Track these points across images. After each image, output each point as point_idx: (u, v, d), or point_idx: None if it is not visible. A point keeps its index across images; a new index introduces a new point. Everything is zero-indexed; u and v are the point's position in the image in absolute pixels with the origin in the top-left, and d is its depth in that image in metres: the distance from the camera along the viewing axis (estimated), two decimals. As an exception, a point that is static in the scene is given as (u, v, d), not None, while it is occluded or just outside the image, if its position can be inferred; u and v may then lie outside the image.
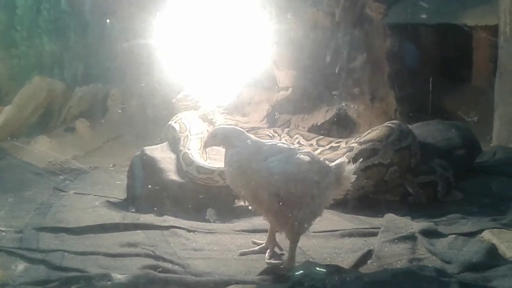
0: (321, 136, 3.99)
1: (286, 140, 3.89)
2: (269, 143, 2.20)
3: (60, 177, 3.94)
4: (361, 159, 2.54)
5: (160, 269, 2.13)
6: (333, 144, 3.71)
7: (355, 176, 2.24)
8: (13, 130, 4.89)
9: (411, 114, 4.49)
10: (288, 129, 4.12)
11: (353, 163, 2.27)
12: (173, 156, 3.20)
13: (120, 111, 5.41)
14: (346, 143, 3.50)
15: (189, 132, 3.21)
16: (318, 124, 4.48)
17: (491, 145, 4.23)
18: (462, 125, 3.78)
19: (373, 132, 3.21)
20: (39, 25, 5.22)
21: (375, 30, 4.86)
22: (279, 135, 4.01)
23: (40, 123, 5.20)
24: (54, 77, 5.45)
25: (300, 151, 2.19)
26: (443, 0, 6.27)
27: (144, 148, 3.23)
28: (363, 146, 3.08)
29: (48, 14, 5.29)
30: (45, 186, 3.64)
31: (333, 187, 2.21)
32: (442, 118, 5.26)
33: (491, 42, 4.60)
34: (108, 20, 5.10)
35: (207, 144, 2.29)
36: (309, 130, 4.35)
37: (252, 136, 2.22)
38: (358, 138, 3.34)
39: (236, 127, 2.31)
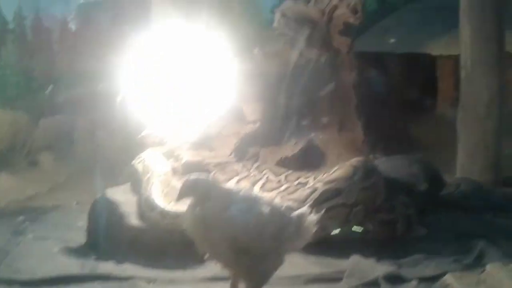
0: (290, 171, 3.96)
1: (255, 176, 3.85)
2: (233, 192, 2.17)
3: (20, 217, 3.80)
4: (324, 209, 2.52)
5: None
6: (302, 180, 3.68)
7: (316, 227, 2.21)
8: (-28, 166, 4.74)
9: (376, 146, 4.53)
10: (257, 164, 4.07)
11: (316, 210, 2.25)
12: (135, 198, 3.12)
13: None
14: (314, 179, 3.48)
15: (152, 174, 3.14)
16: (288, 156, 4.48)
17: (455, 176, 4.29)
18: (425, 159, 3.83)
19: (337, 171, 3.20)
20: (1, 57, 5.12)
21: (341, 62, 4.92)
22: (248, 170, 3.96)
23: (2, 158, 5.06)
24: (17, 109, 5.34)
25: (262, 200, 2.16)
26: (409, 30, 6.45)
27: (106, 190, 3.15)
28: (327, 186, 3.05)
29: (12, 45, 5.20)
30: (3, 229, 3.50)
31: (293, 238, 2.18)
32: (408, 147, 5.36)
33: (455, 71, 4.71)
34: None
35: (181, 196, 2.21)
36: (278, 163, 4.33)
37: (223, 187, 2.18)
38: (324, 175, 3.33)
39: (209, 179, 2.25)
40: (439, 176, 3.68)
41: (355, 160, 3.31)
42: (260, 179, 3.72)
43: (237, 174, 3.85)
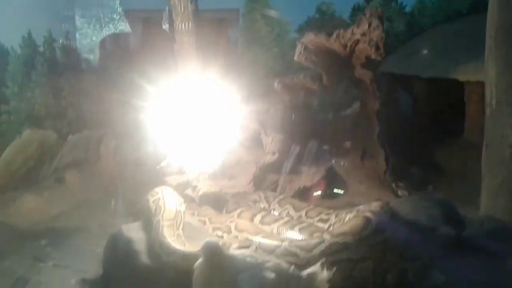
0: (311, 206, 3.88)
1: (275, 209, 3.78)
2: (238, 259, 2.14)
3: (43, 241, 3.92)
4: (334, 268, 2.46)
5: None
6: (323, 216, 3.60)
7: (327, 285, 2.18)
8: (0, 185, 4.90)
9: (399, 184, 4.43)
10: (280, 197, 3.90)
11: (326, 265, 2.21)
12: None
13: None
14: (336, 216, 3.41)
15: (162, 217, 3.13)
16: (306, 186, 4.45)
17: (479, 213, 4.17)
18: (447, 201, 3.72)
19: (350, 222, 3.10)
20: (31, 79, 5.29)
21: (365, 90, 4.86)
22: (269, 203, 3.89)
23: (29, 176, 5.21)
24: (47, 128, 5.49)
25: (268, 264, 2.14)
26: (436, 55, 6.32)
27: (121, 227, 3.20)
28: (335, 239, 2.89)
29: (42, 68, 5.35)
30: (25, 253, 3.61)
31: None
32: (433, 174, 5.22)
33: (483, 96, 4.58)
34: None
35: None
36: (296, 192, 4.32)
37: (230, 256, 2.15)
38: (344, 215, 3.26)
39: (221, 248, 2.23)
40: (460, 217, 3.58)
41: (370, 211, 3.11)
42: (281, 216, 3.64)
43: (255, 205, 3.84)
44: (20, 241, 3.88)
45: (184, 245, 2.95)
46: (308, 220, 3.55)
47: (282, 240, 2.97)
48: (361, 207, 3.34)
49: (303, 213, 3.67)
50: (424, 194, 3.75)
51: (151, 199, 3.34)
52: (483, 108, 4.37)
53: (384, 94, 4.90)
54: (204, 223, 3.41)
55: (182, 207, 3.28)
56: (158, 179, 3.99)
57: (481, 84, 5.07)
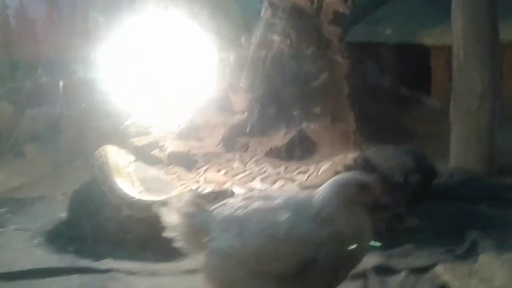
0: (290, 162, 3.82)
1: (252, 170, 3.70)
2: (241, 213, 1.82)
3: (2, 209, 3.71)
4: None
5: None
6: (302, 169, 3.54)
7: None
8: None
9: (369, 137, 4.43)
10: (256, 158, 3.84)
11: None
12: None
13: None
14: (314, 166, 3.37)
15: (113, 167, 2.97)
16: (277, 146, 4.38)
17: (448, 166, 4.21)
18: (417, 149, 3.74)
19: (319, 177, 3.06)
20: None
21: (333, 52, 4.82)
22: (243, 163, 3.80)
23: (-15, 149, 4.94)
24: (2, 99, 5.22)
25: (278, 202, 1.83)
26: (403, 20, 6.35)
27: (85, 182, 3.05)
28: (321, 178, 2.90)
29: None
30: (-17, 221, 3.41)
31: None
32: (402, 137, 5.26)
33: (449, 62, 4.62)
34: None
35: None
36: (268, 153, 4.24)
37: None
38: (323, 165, 3.22)
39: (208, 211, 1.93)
40: (432, 165, 3.60)
41: (350, 157, 3.13)
42: (260, 173, 3.57)
43: (229, 165, 3.75)
44: (-22, 210, 3.66)
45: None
46: (287, 175, 3.50)
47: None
48: (336, 158, 3.32)
49: (281, 169, 3.62)
50: (395, 145, 3.73)
51: (96, 164, 3.10)
52: (449, 73, 4.41)
53: (351, 62, 4.88)
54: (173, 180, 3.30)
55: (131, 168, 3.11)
56: (122, 140, 3.84)
57: (446, 49, 5.11)
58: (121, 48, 3.76)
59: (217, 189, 2.78)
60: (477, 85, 3.90)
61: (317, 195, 1.82)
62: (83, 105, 4.32)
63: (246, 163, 3.80)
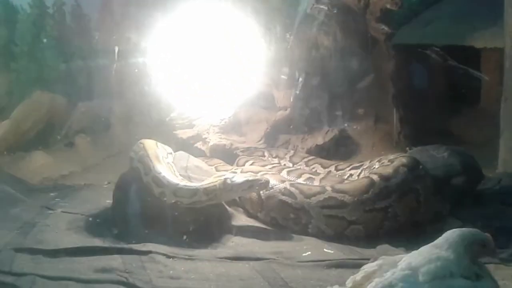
0: (339, 162, 3.75)
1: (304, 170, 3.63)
2: None
3: (51, 194, 3.89)
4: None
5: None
6: (355, 165, 3.47)
7: None
8: (10, 144, 4.88)
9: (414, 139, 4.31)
10: (308, 158, 3.76)
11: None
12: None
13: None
14: (369, 162, 3.33)
15: (153, 157, 3.05)
16: (318, 144, 4.37)
17: (496, 171, 4.06)
18: (463, 150, 3.63)
19: (353, 182, 3.00)
20: (41, 40, 5.23)
21: (379, 51, 4.75)
22: (280, 158, 3.79)
23: (39, 138, 5.19)
24: (56, 92, 5.45)
25: None
26: (452, 22, 6.17)
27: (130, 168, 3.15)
28: (334, 195, 2.82)
29: (52, 30, 5.30)
30: (34, 203, 3.58)
31: None
32: (449, 141, 5.13)
33: (500, 64, 4.46)
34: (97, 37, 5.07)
35: None
36: (308, 151, 4.23)
37: None
38: (376, 165, 3.19)
39: None
40: (477, 168, 3.48)
41: (376, 173, 2.95)
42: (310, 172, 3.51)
43: (260, 160, 3.75)
44: (29, 193, 3.85)
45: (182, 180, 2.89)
46: (339, 172, 3.46)
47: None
48: (391, 156, 3.23)
49: (332, 168, 3.55)
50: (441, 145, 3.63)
51: (135, 157, 3.18)
52: (500, 76, 4.26)
53: (397, 63, 4.78)
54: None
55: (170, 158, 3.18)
56: (167, 132, 3.94)
57: (498, 51, 4.94)
58: (171, 42, 3.86)
59: (250, 178, 2.80)
60: (529, 85, 3.75)
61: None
62: (136, 70, 4.35)
63: (282, 158, 3.77)
